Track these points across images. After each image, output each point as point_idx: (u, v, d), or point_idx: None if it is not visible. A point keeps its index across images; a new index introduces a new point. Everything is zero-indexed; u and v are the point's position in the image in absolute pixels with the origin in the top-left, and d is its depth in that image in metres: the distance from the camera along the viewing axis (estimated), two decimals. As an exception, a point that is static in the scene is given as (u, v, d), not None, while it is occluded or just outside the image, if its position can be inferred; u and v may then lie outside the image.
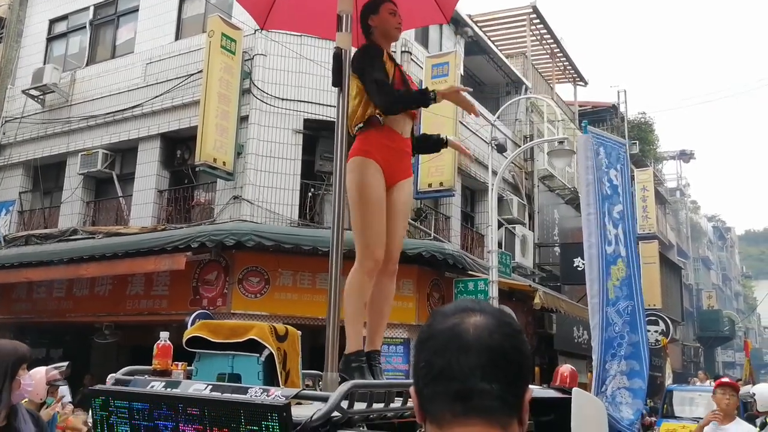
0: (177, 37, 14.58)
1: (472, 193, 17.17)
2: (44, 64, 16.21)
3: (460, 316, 1.24)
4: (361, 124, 3.58)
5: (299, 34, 12.09)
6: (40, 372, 5.77)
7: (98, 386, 3.07)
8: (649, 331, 19.74)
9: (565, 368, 8.31)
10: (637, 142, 27.49)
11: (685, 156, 41.86)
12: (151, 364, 3.23)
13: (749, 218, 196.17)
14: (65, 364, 6.09)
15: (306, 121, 12.99)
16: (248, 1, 4.11)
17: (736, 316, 51.27)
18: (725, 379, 6.59)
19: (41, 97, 15.77)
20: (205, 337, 3.18)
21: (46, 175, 15.74)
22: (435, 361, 1.20)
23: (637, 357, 5.78)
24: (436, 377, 1.20)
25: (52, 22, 17.07)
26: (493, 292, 12.67)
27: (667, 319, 20.21)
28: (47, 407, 5.96)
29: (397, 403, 2.86)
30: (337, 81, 3.40)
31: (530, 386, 1.25)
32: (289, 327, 3.32)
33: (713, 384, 15.89)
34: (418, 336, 1.28)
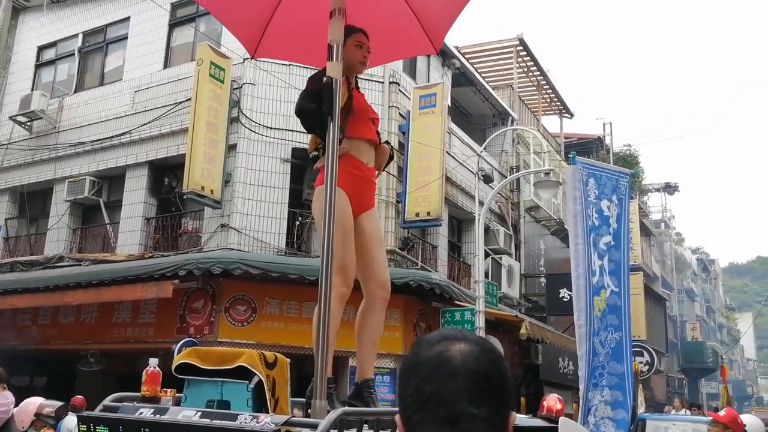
0: (166, 65, 14.66)
1: (459, 223, 17.23)
2: (32, 90, 16.25)
3: (445, 344, 1.27)
4: (315, 152, 3.61)
5: (288, 63, 12.19)
6: (33, 403, 5.73)
7: (86, 413, 3.06)
8: (633, 361, 19.80)
9: (551, 397, 8.31)
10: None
11: (669, 188, 42.15)
12: (137, 392, 3.22)
13: (733, 251, 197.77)
14: (62, 404, 6.05)
15: (294, 150, 13.03)
16: (239, 29, 4.15)
17: (720, 347, 51.32)
18: (711, 413, 6.60)
19: (29, 123, 15.76)
20: (194, 363, 3.17)
21: (32, 202, 15.68)
22: (423, 387, 1.22)
23: (621, 388, 5.79)
24: (424, 403, 1.21)
25: (41, 48, 17.12)
26: (480, 322, 12.68)
27: (651, 350, 20.25)
28: None
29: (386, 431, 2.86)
30: (328, 110, 3.43)
31: (513, 411, 1.29)
32: (278, 354, 3.32)
33: (689, 412, 15.41)
34: (404, 364, 1.30)
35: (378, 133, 3.92)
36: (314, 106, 3.46)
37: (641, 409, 17.59)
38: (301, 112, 3.53)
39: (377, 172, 3.90)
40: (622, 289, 5.76)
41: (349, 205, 3.62)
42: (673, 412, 17.35)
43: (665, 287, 39.60)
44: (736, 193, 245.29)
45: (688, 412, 16.07)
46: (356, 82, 3.90)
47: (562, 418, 4.04)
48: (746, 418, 7.54)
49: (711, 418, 5.78)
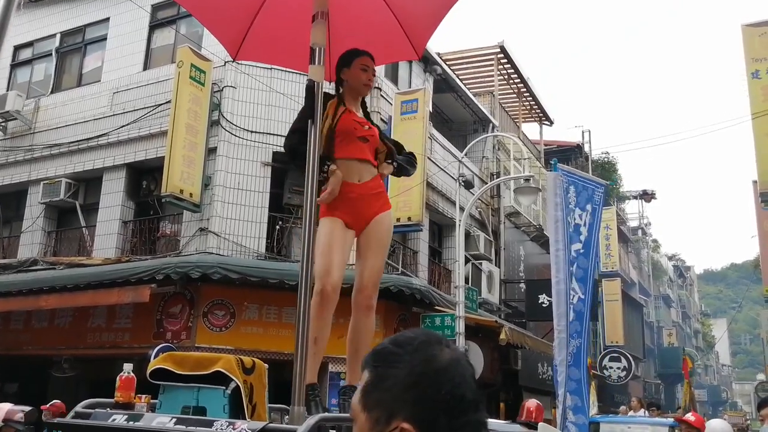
0: (145, 67, 14.52)
1: (440, 229, 17.24)
2: (7, 90, 16.01)
3: (447, 347, 1.26)
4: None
5: (269, 66, 12.13)
6: (2, 408, 5.61)
7: (56, 419, 2.99)
8: (611, 368, 19.89)
9: (531, 402, 8.27)
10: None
11: (646, 196, 42.55)
12: (111, 399, 3.16)
13: (707, 258, 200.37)
14: (31, 408, 5.93)
15: (275, 153, 12.95)
16: (221, 31, 4.11)
17: (696, 353, 51.83)
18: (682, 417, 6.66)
19: (3, 124, 15.54)
20: (170, 368, 3.12)
21: (6, 204, 15.45)
22: (463, 393, 1.21)
23: (579, 393, 5.84)
24: (466, 408, 1.20)
25: (17, 48, 16.88)
26: (460, 327, 12.67)
27: (629, 355, 20.36)
28: None
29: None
30: (310, 114, 3.40)
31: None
32: (256, 360, 3.28)
33: (647, 413, 14.55)
34: (424, 365, 1.22)
35: (376, 151, 3.86)
36: (290, 144, 3.63)
37: (593, 410, 17.10)
38: (287, 151, 3.70)
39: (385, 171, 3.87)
40: (587, 297, 5.80)
41: (344, 230, 3.65)
42: (631, 412, 15.81)
43: (642, 293, 39.96)
44: (710, 201, 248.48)
45: (646, 413, 14.79)
46: (364, 107, 3.92)
47: (541, 424, 4.03)
48: (715, 423, 7.65)
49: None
